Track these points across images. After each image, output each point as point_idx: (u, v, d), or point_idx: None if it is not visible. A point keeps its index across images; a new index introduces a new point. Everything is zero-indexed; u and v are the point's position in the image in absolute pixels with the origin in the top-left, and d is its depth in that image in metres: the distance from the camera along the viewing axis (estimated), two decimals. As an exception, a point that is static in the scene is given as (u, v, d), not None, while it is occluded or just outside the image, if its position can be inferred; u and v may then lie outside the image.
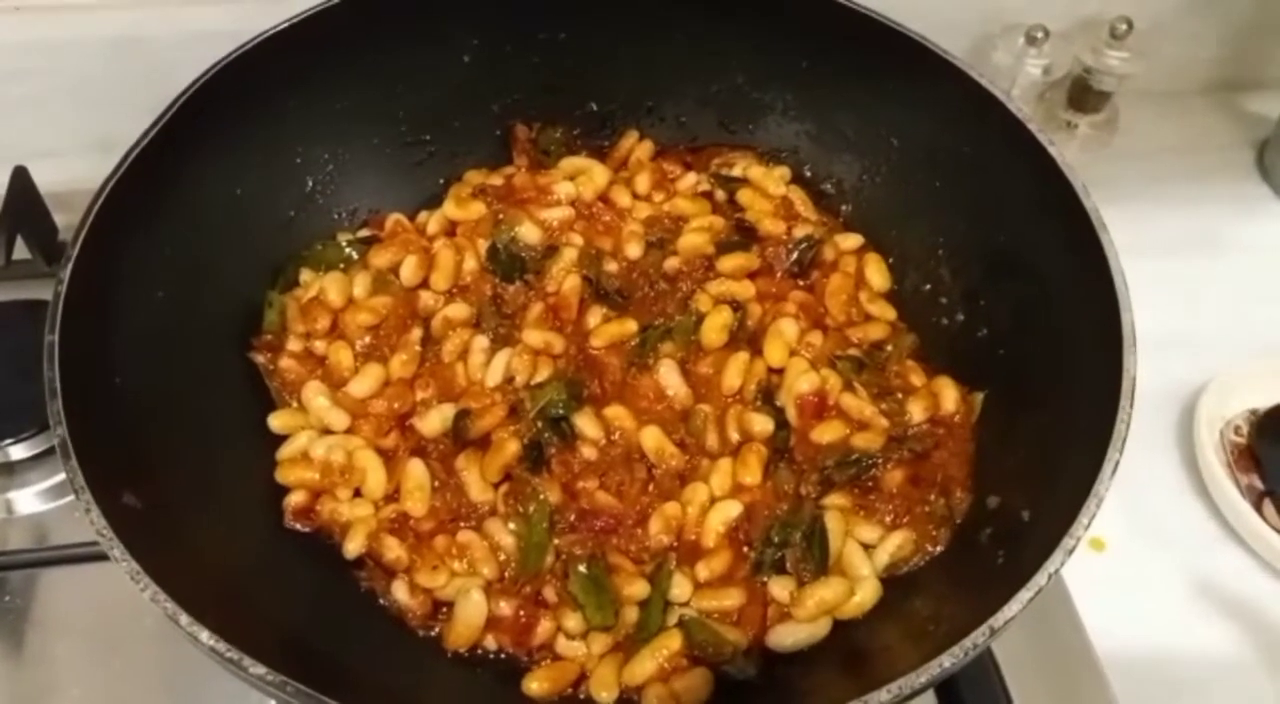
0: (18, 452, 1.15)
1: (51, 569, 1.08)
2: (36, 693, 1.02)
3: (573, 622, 0.91)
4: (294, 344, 1.06)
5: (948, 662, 0.71)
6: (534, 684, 0.89)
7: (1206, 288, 1.40)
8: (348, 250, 1.14)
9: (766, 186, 1.19)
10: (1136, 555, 1.15)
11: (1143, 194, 1.47)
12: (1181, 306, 1.36)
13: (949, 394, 1.04)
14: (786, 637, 0.92)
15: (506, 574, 0.95)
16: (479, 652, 0.92)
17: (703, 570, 0.94)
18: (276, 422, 1.02)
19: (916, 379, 1.06)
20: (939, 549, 0.96)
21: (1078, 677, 1.05)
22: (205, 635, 0.70)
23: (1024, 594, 0.73)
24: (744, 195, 1.19)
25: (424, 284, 1.11)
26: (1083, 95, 1.51)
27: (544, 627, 0.91)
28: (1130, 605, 1.11)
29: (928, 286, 1.13)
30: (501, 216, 1.14)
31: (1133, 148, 1.54)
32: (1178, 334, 1.32)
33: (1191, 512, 1.20)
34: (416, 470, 0.98)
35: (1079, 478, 0.80)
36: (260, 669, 0.69)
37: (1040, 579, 0.74)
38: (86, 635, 1.05)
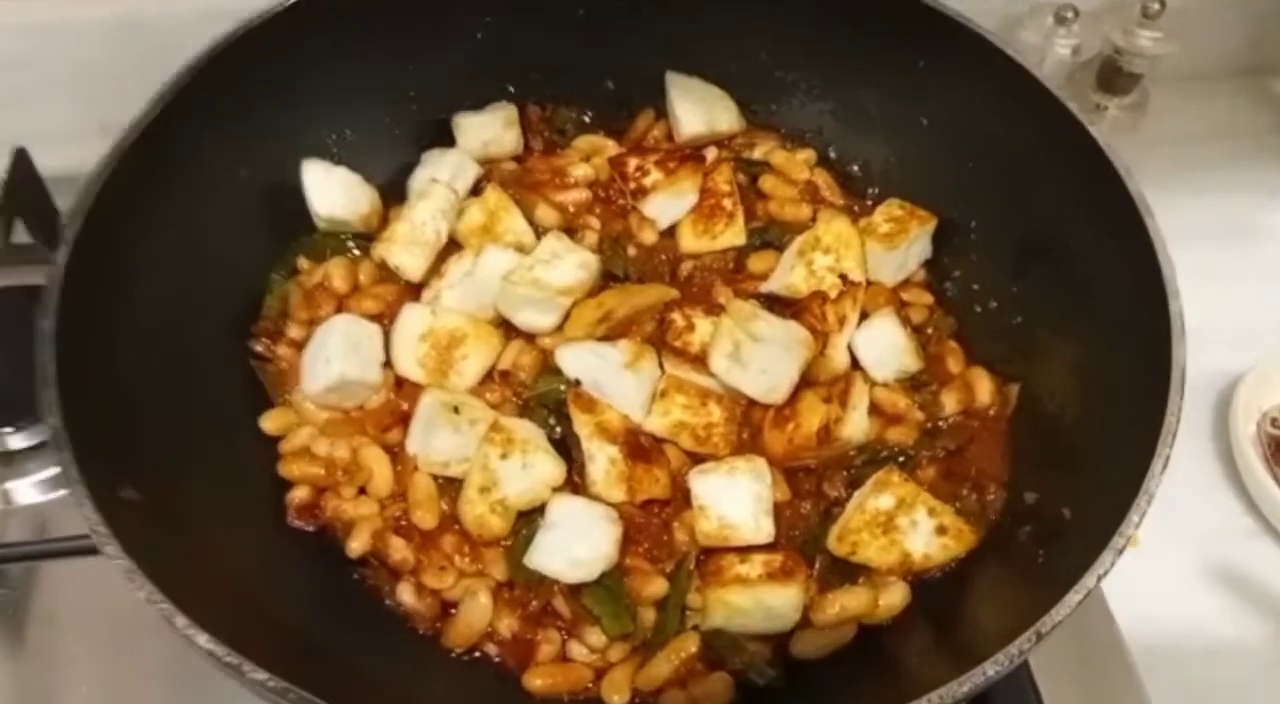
0: (16, 441, 1.12)
1: (51, 562, 1.06)
2: (36, 688, 1.00)
3: (594, 637, 0.89)
4: (295, 331, 1.03)
5: (991, 670, 0.68)
6: (536, 681, 0.88)
7: (1240, 276, 1.37)
8: (348, 241, 1.11)
9: (790, 172, 1.16)
10: (1170, 550, 1.12)
11: (1173, 179, 1.42)
12: (1215, 295, 1.28)
13: (983, 385, 1.01)
14: (808, 643, 0.89)
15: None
16: (479, 655, 0.91)
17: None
18: (268, 424, 0.99)
19: (954, 363, 1.04)
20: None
21: (1110, 675, 1.03)
22: (203, 639, 0.67)
23: (1072, 597, 0.71)
24: (766, 182, 1.16)
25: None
26: (1112, 77, 1.47)
27: (545, 650, 0.90)
28: (1163, 601, 1.09)
29: (959, 272, 1.10)
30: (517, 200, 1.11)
31: (1163, 132, 1.51)
32: (1212, 324, 1.27)
33: (1227, 505, 1.18)
34: (424, 481, 0.95)
35: (1126, 474, 0.77)
36: (261, 675, 0.66)
37: (1089, 581, 0.72)
38: (87, 630, 1.03)
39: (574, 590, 0.90)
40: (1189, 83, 1.55)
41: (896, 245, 1.05)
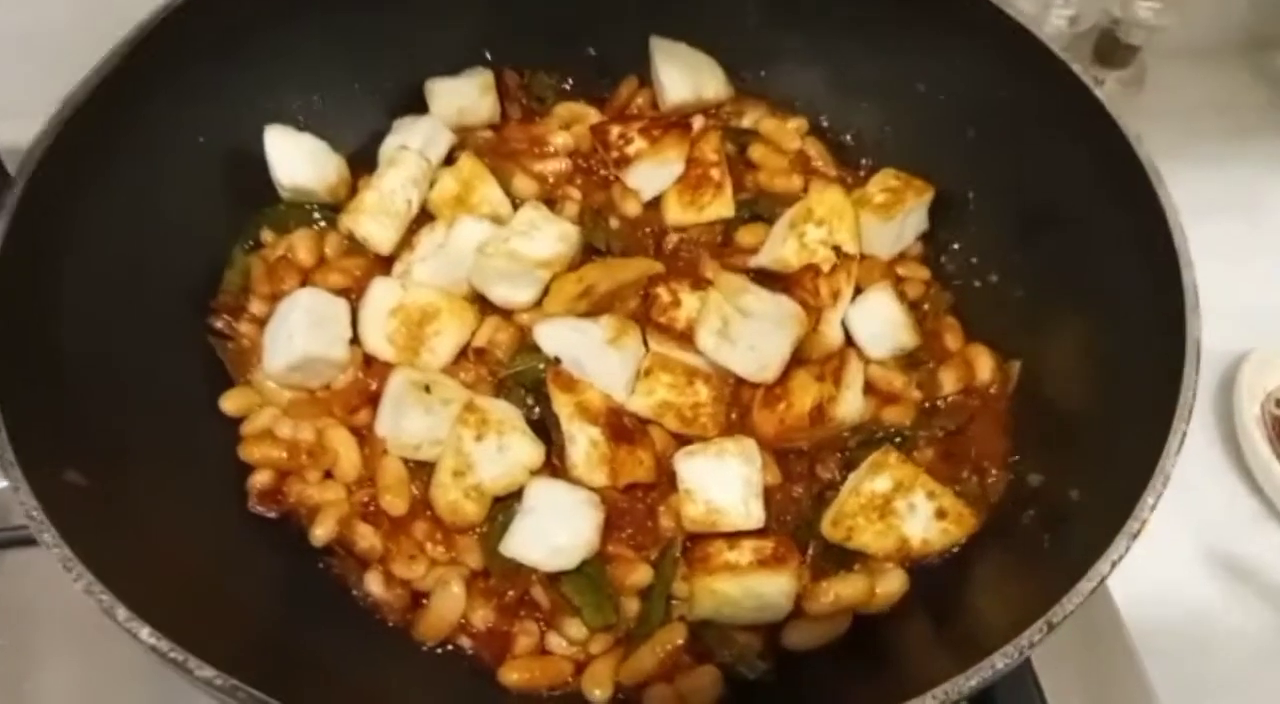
0: (-27, 426, 1.08)
1: (14, 551, 1.03)
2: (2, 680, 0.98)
3: (574, 629, 0.87)
4: (257, 307, 1.00)
5: (1000, 663, 0.65)
6: (513, 675, 0.85)
7: (1241, 252, 1.32)
8: (314, 213, 1.07)
9: (780, 141, 1.13)
10: (1173, 532, 1.10)
11: (1173, 155, 1.38)
12: (1215, 272, 1.28)
13: (983, 362, 0.99)
14: (801, 634, 0.87)
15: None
16: (451, 648, 0.88)
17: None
18: (229, 404, 0.96)
19: (953, 340, 1.01)
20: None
21: (1111, 659, 1.02)
22: (145, 632, 0.64)
23: (1084, 585, 0.68)
24: (756, 151, 1.13)
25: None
26: (1110, 49, 1.45)
27: (522, 643, 0.87)
28: (1166, 585, 1.08)
29: (957, 245, 1.07)
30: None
31: (1162, 106, 1.48)
32: (1215, 301, 1.26)
33: (1231, 488, 1.17)
34: (393, 465, 0.92)
35: (1137, 453, 0.74)
36: (208, 672, 0.63)
37: (1102, 567, 0.69)
38: (54, 621, 1.01)
39: (553, 579, 0.87)
40: (1187, 56, 1.53)
41: (892, 217, 1.02)
